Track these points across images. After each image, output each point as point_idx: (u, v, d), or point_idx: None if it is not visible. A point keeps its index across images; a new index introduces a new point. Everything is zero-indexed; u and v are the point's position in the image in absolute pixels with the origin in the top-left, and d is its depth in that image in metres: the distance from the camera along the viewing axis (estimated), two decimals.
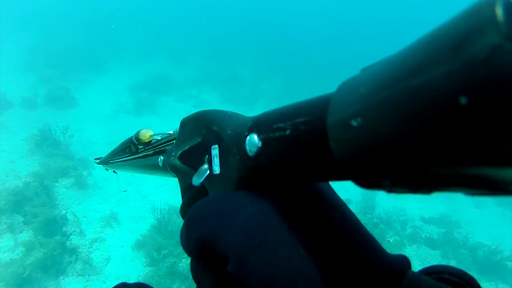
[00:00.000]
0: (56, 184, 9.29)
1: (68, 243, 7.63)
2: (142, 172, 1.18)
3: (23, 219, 8.03)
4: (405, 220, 11.08)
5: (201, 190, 0.56)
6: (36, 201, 8.32)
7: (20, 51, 18.50)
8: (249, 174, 0.41)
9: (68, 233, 7.92)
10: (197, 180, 0.52)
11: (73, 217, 8.38)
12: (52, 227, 7.85)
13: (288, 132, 0.33)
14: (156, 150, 0.93)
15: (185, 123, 0.63)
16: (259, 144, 0.37)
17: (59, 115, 13.50)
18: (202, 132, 0.54)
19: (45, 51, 18.68)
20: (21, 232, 7.88)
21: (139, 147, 1.09)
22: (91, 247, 7.88)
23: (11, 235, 7.76)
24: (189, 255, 0.42)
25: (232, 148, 0.43)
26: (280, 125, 0.34)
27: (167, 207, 8.46)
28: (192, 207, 0.42)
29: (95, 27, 24.28)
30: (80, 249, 7.67)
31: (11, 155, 10.36)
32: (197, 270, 0.41)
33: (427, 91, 0.19)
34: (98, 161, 2.03)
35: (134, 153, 1.14)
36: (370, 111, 0.23)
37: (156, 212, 8.97)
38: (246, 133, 0.40)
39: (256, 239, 0.35)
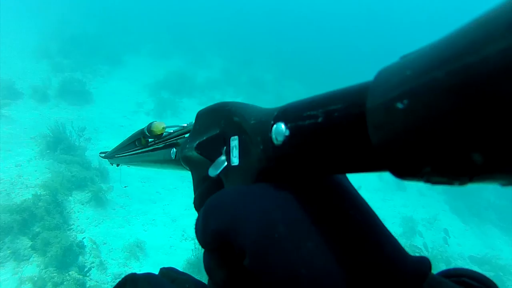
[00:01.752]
0: (70, 198, 7.81)
1: (87, 279, 6.17)
2: (151, 166, 1.15)
3: (31, 243, 6.56)
4: (447, 258, 9.84)
5: (216, 183, 0.55)
6: (47, 221, 6.86)
7: (33, 36, 16.84)
8: (271, 165, 0.40)
9: (86, 265, 6.46)
10: (213, 172, 0.52)
11: (91, 243, 6.91)
12: (67, 257, 6.39)
13: (320, 119, 0.32)
14: (167, 143, 0.94)
15: (202, 115, 0.63)
16: (287, 132, 0.36)
17: (73, 111, 11.99)
18: (221, 124, 0.54)
19: (58, 37, 17.14)
20: (28, 260, 6.41)
21: (150, 140, 1.09)
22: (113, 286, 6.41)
23: (15, 264, 6.29)
24: (203, 247, 0.41)
25: (256, 138, 0.42)
26: (311, 112, 0.33)
27: None
28: (210, 198, 0.41)
29: (113, 14, 22.54)
30: None
31: (17, 156, 8.87)
32: (210, 263, 0.40)
33: (485, 67, 0.18)
34: (103, 155, 1.94)
35: (144, 146, 1.13)
36: (419, 92, 0.22)
37: (187, 241, 7.55)
38: (272, 122, 0.39)
39: (276, 234, 0.34)
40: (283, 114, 0.38)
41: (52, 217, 6.96)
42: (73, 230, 7.15)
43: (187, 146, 0.67)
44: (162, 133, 1.00)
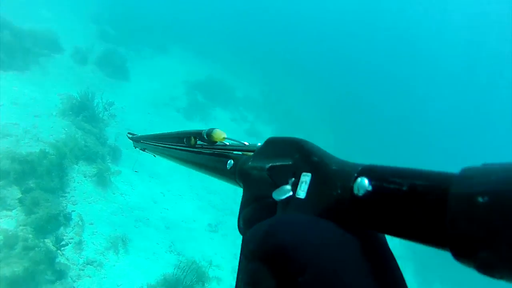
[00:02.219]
0: (75, 166, 7.48)
1: (59, 253, 5.77)
2: (186, 165, 1.20)
3: (20, 195, 6.21)
4: None
5: (267, 205, 0.62)
6: (45, 181, 6.51)
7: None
8: (341, 208, 0.45)
9: (63, 239, 6.06)
10: (277, 196, 0.57)
11: (78, 219, 6.52)
12: (49, 223, 6.00)
13: (404, 188, 0.37)
14: (216, 152, 1.00)
15: (274, 142, 0.70)
16: (369, 188, 0.41)
17: (106, 83, 11.84)
18: (295, 157, 0.60)
19: (113, 7, 17.27)
20: (11, 211, 6.04)
21: (198, 142, 1.11)
22: (83, 271, 5.99)
23: None
24: (253, 257, 0.44)
25: (335, 182, 0.47)
26: (397, 180, 0.38)
27: (191, 261, 6.62)
28: (277, 217, 0.49)
29: (171, 1, 22.72)
30: (69, 271, 5.78)
31: (39, 107, 8.65)
32: (259, 272, 0.43)
33: None
34: (131, 136, 1.97)
35: (191, 145, 1.14)
36: (499, 195, 0.28)
37: (172, 254, 7.12)
38: (356, 174, 0.44)
39: (338, 266, 0.39)
40: (369, 172, 0.43)
41: (51, 179, 6.62)
42: (66, 199, 6.78)
43: (250, 164, 0.73)
44: (216, 141, 1.02)
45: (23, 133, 7.53)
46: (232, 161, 0.86)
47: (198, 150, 1.11)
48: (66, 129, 8.30)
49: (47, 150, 7.04)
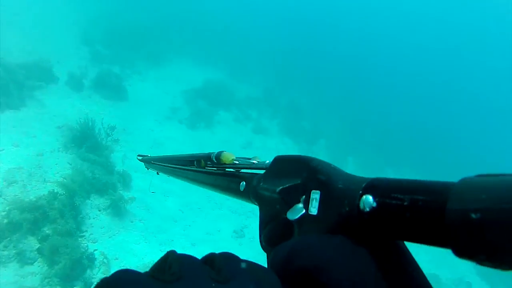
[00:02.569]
0: (88, 201, 7.23)
1: None
2: (200, 185, 1.25)
3: (38, 245, 5.97)
4: None
5: (283, 223, 0.65)
6: (60, 225, 6.26)
7: (79, 18, 16.53)
8: (351, 224, 0.49)
9: (93, 282, 5.83)
10: (292, 216, 0.61)
11: (102, 257, 6.28)
12: (75, 270, 5.77)
13: (406, 203, 0.41)
14: (226, 172, 1.05)
15: (282, 161, 0.75)
16: (374, 204, 0.45)
17: (105, 105, 11.54)
18: (303, 175, 0.63)
19: (103, 25, 16.84)
20: (32, 264, 5.80)
21: (208, 163, 1.15)
22: None
23: (18, 267, 5.70)
24: (282, 279, 0.44)
25: (343, 200, 0.51)
26: (399, 195, 0.42)
27: None
28: (295, 241, 0.50)
29: (160, 12, 22.05)
30: None
31: (41, 145, 8.38)
32: None
33: None
34: (141, 158, 2.04)
35: (201, 167, 1.20)
36: (490, 213, 0.32)
37: None
38: (361, 192, 0.48)
39: (357, 282, 0.42)
40: (372, 189, 0.47)
41: (66, 221, 6.37)
42: (85, 238, 6.55)
43: (262, 185, 0.79)
44: (226, 163, 1.05)
45: (29, 176, 7.28)
46: (245, 183, 0.89)
47: (209, 171, 1.14)
48: (71, 164, 8.04)
49: (56, 191, 6.79)
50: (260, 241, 0.72)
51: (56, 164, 8.01)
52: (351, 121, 20.35)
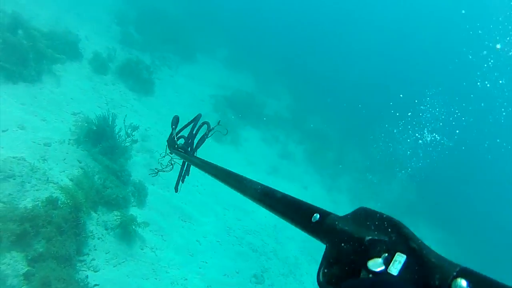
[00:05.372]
0: (93, 215, 5.96)
1: None
2: (262, 205, 1.14)
3: (26, 269, 4.69)
4: None
5: (353, 268, 0.66)
6: (56, 247, 4.97)
7: None
8: None
9: None
10: (373, 267, 0.61)
11: None
12: None
13: None
14: (297, 200, 1.00)
15: (367, 213, 0.75)
16: None
17: (128, 97, 10.30)
18: (392, 236, 0.65)
19: (140, 9, 15.71)
20: None
21: None
22: None
23: None
24: None
25: (434, 275, 0.54)
26: None
27: None
28: (379, 278, 0.56)
29: (203, 7, 20.94)
30: None
31: (50, 132, 7.18)
32: None
33: None
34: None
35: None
36: None
37: None
38: (455, 273, 0.52)
39: None
40: (467, 274, 0.50)
41: (63, 241, 5.08)
42: (85, 264, 5.28)
43: (341, 226, 0.77)
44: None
45: (30, 171, 6.01)
46: (318, 216, 0.86)
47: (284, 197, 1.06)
48: (81, 163, 6.79)
49: (57, 197, 5.53)
50: (318, 277, 0.71)
51: (64, 159, 6.77)
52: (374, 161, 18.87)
